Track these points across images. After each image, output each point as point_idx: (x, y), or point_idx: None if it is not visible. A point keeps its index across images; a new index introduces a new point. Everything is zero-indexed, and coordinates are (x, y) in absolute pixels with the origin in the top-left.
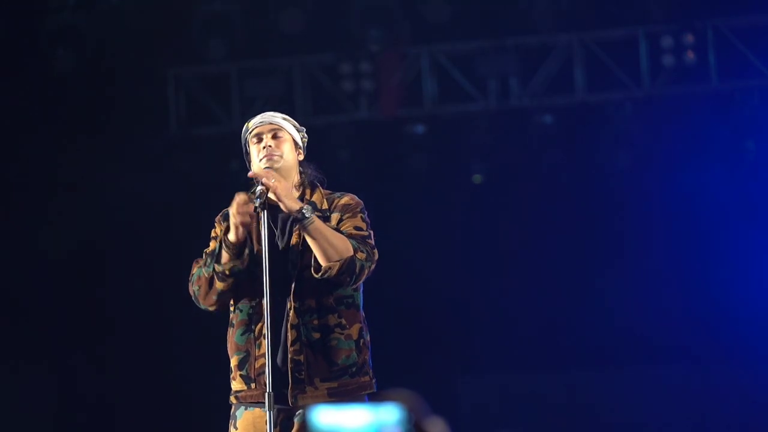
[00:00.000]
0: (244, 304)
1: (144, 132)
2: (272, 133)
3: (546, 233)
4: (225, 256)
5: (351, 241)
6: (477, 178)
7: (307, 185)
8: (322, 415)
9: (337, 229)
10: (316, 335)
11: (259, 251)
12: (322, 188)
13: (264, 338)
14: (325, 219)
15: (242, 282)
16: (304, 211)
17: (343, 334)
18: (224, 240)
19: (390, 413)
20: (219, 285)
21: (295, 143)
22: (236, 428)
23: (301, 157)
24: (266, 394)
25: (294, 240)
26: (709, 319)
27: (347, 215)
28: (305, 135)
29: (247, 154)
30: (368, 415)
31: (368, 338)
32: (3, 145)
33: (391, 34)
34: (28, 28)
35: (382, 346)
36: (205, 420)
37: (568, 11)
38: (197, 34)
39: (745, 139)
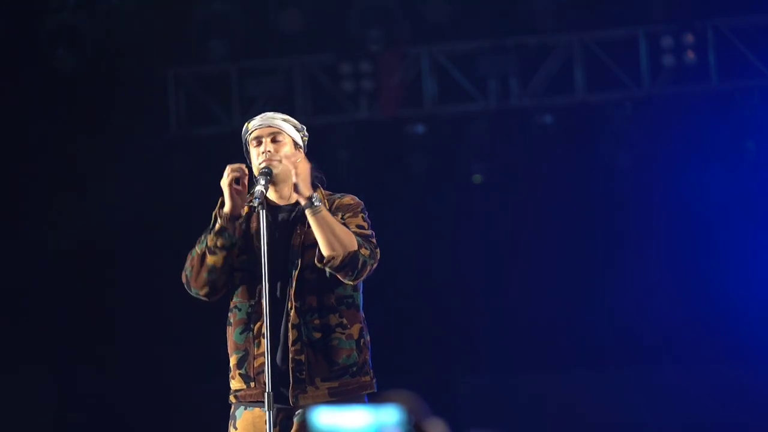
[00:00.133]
0: (242, 302)
1: (144, 132)
2: (271, 136)
3: (546, 233)
4: (217, 227)
5: (356, 237)
6: (477, 178)
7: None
8: (322, 415)
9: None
10: (317, 335)
11: (259, 250)
12: (323, 189)
13: (263, 337)
14: None
15: (241, 280)
16: (313, 198)
17: (344, 333)
18: (218, 212)
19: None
20: (210, 259)
21: (295, 144)
22: (236, 428)
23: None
24: (266, 394)
25: (295, 240)
26: (709, 319)
27: (348, 215)
28: (306, 134)
29: (248, 152)
30: (368, 416)
31: (368, 338)
32: (3, 145)
33: (391, 34)
34: (28, 28)
35: (382, 346)
36: (205, 420)
37: (568, 11)
38: (197, 34)
39: (745, 139)
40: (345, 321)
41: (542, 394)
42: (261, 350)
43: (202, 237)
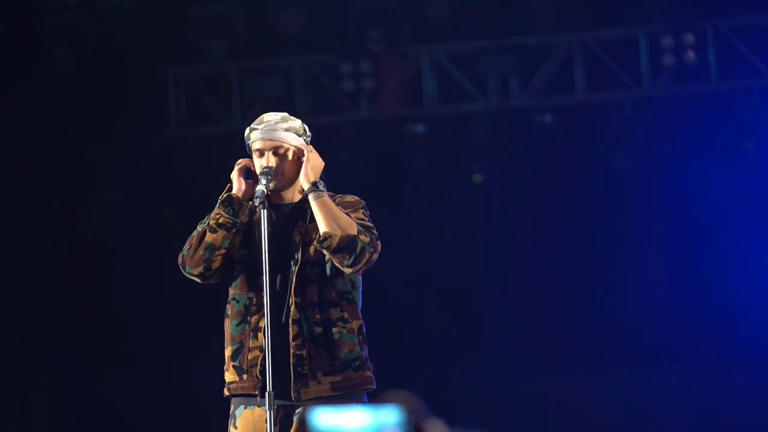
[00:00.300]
0: (240, 295)
1: (144, 132)
2: (273, 149)
3: (546, 233)
4: (223, 197)
5: (357, 225)
6: (477, 178)
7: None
8: (322, 415)
9: None
10: (319, 329)
11: (260, 245)
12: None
13: (260, 331)
14: None
15: (240, 272)
16: (318, 184)
17: (345, 327)
18: (225, 193)
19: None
20: (209, 237)
21: (298, 149)
22: (236, 427)
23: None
24: (267, 393)
25: (296, 236)
26: (709, 319)
27: (349, 210)
28: (308, 134)
29: (251, 153)
30: (368, 416)
31: (366, 335)
32: (2, 145)
33: (392, 33)
34: (28, 28)
35: (382, 346)
36: (205, 419)
37: (569, 11)
38: (197, 34)
39: (745, 139)
40: (346, 315)
41: (542, 394)
42: (257, 343)
43: (205, 218)
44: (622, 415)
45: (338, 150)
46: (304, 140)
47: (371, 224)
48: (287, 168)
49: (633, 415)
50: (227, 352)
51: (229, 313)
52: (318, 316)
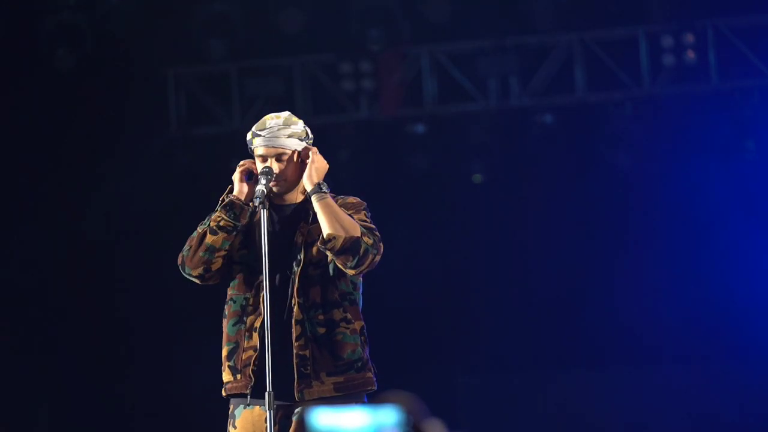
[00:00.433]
0: (238, 295)
1: (144, 132)
2: (276, 156)
3: (546, 233)
4: (225, 201)
5: (360, 227)
6: (477, 178)
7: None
8: (321, 416)
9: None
10: (322, 330)
11: (260, 246)
12: None
13: (255, 331)
14: None
15: (239, 273)
16: (322, 185)
17: (348, 328)
18: (226, 195)
19: (389, 415)
20: (209, 239)
21: (301, 151)
22: (235, 427)
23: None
24: (267, 393)
25: (298, 237)
26: (709, 319)
27: (351, 211)
28: (311, 136)
29: (253, 154)
30: (367, 416)
31: (367, 336)
32: (2, 145)
33: (392, 33)
34: (28, 28)
35: (382, 346)
36: (205, 419)
37: (569, 11)
38: (197, 34)
39: (745, 139)
40: (349, 316)
41: (542, 394)
42: (251, 343)
43: (206, 219)
44: (622, 415)
45: (338, 150)
46: (307, 144)
47: (373, 226)
48: (290, 173)
49: (633, 415)
50: (224, 352)
51: (226, 313)
52: (321, 317)
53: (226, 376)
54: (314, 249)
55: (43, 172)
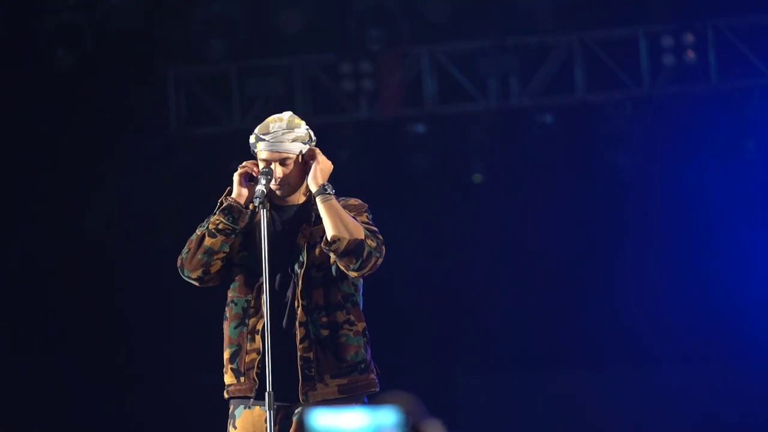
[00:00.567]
0: (239, 297)
1: (144, 132)
2: (280, 161)
3: (546, 233)
4: (223, 205)
5: (364, 229)
6: (477, 178)
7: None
8: (321, 416)
9: None
10: (325, 332)
11: (260, 248)
12: None
13: (257, 333)
14: None
15: (239, 275)
16: (326, 186)
17: (351, 330)
18: (224, 198)
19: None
20: (208, 241)
21: (305, 153)
22: (235, 427)
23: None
24: (267, 393)
25: (300, 238)
26: (709, 319)
27: (353, 213)
28: (313, 138)
29: (255, 155)
30: (366, 417)
31: (369, 336)
32: (2, 145)
33: (392, 33)
34: (28, 28)
35: (382, 346)
36: (205, 418)
37: (569, 11)
38: (197, 34)
39: (745, 139)
40: (352, 318)
41: (542, 394)
42: (254, 346)
43: (204, 221)
44: (622, 415)
45: (338, 150)
46: (311, 146)
47: (376, 228)
48: (294, 177)
49: (633, 415)
50: (226, 355)
51: (227, 315)
52: (324, 319)
53: (229, 378)
54: (317, 251)
55: (43, 172)
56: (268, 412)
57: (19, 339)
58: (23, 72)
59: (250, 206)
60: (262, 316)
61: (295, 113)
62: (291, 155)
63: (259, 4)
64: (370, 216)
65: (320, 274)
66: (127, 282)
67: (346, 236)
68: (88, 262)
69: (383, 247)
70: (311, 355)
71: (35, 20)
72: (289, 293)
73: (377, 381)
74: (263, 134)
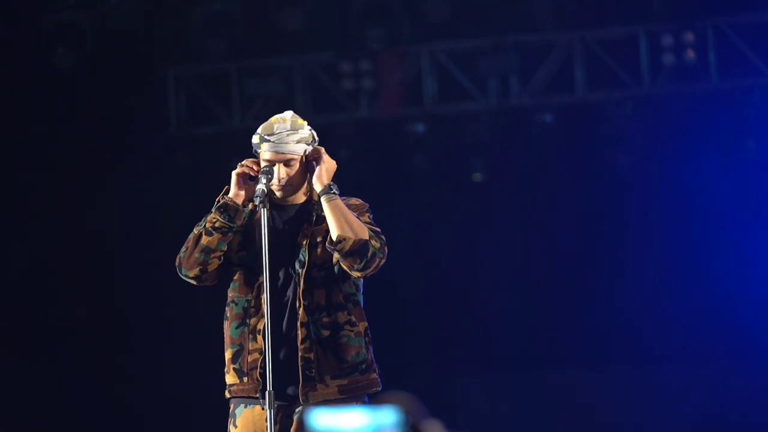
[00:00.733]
0: (239, 297)
1: (144, 131)
2: (284, 162)
3: (546, 232)
4: (219, 203)
5: (368, 230)
6: (477, 177)
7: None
8: (321, 416)
9: None
10: (326, 333)
11: (260, 247)
12: None
13: (259, 333)
14: None
15: (239, 275)
16: (332, 186)
17: (353, 331)
18: (221, 197)
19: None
20: (205, 240)
21: (308, 153)
22: (235, 426)
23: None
24: (267, 392)
25: (302, 238)
26: (709, 319)
27: (355, 213)
28: (316, 138)
29: (257, 155)
30: (366, 416)
31: (371, 336)
32: (2, 145)
33: (392, 32)
34: (28, 27)
35: (382, 346)
36: (205, 418)
37: (569, 10)
38: (197, 33)
39: (745, 138)
40: (353, 318)
41: (542, 393)
42: (256, 346)
43: (202, 220)
44: (622, 415)
45: (338, 149)
46: (314, 146)
47: (378, 229)
48: (296, 178)
49: (633, 415)
50: (227, 355)
51: (228, 315)
52: (326, 320)
53: (231, 378)
54: (318, 250)
55: (43, 172)
56: (268, 410)
57: (19, 338)
58: (23, 71)
59: (250, 205)
60: (263, 316)
61: (295, 112)
62: (295, 156)
63: (259, 3)
64: (371, 216)
65: (322, 274)
66: (127, 282)
67: (351, 236)
68: (89, 262)
69: (386, 248)
70: (312, 355)
71: (35, 20)
72: (290, 293)
73: (378, 381)
74: (267, 135)
